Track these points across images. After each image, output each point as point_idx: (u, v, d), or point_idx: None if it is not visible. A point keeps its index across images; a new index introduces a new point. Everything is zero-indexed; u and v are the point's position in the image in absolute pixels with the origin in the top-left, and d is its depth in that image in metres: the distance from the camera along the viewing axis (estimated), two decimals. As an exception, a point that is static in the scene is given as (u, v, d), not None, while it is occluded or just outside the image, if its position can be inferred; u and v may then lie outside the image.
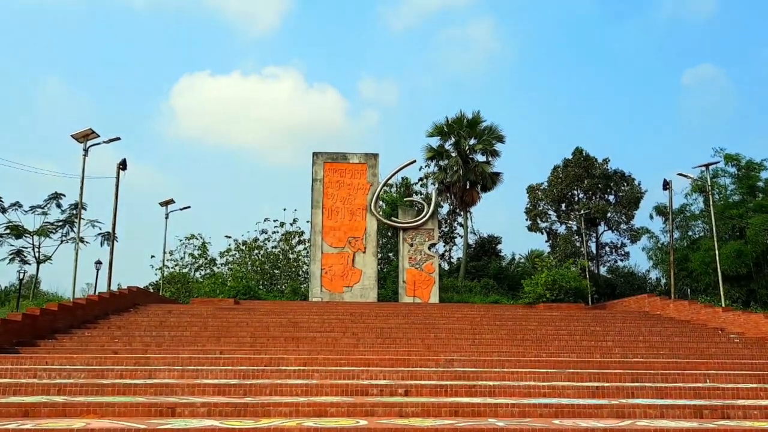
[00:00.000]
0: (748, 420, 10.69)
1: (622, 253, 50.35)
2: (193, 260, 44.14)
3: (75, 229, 36.94)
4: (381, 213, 36.43)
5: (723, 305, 27.22)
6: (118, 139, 26.41)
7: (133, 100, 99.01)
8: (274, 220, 45.77)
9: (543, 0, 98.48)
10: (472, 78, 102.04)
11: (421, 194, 47.40)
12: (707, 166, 31.46)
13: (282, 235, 45.48)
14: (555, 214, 50.32)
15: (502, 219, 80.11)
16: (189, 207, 36.87)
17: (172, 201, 35.11)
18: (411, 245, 33.01)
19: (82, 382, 12.16)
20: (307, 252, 43.52)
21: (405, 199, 40.79)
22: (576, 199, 49.61)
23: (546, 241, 50.77)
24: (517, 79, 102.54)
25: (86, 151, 25.17)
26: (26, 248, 40.00)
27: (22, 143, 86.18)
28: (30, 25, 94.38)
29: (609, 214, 48.62)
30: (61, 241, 40.72)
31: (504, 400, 11.45)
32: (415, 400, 11.14)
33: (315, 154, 33.64)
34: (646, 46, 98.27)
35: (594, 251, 49.73)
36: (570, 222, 48.28)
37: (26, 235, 39.80)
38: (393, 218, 35.01)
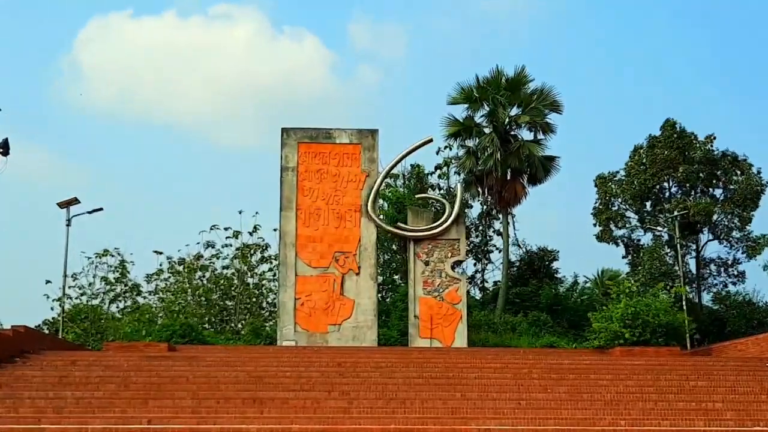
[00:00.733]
0: None
1: (735, 273, 50.16)
2: (108, 287, 44.13)
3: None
4: (382, 217, 36.36)
5: None
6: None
7: (18, 53, 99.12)
8: (226, 228, 45.79)
9: None
10: (512, 21, 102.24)
11: (440, 189, 47.36)
12: None
13: (237, 249, 45.47)
14: (637, 216, 50.19)
15: (559, 224, 80.00)
16: (101, 209, 36.77)
17: (76, 201, 35.05)
18: (426, 263, 32.97)
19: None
20: (274, 274, 43.47)
21: (417, 196, 40.82)
22: (667, 194, 49.50)
23: (624, 257, 50.60)
24: (577, 24, 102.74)
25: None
26: None
27: None
28: None
29: (716, 217, 48.54)
30: None
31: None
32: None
33: (285, 132, 33.65)
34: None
35: (694, 270, 49.61)
36: (659, 228, 48.19)
37: None
38: (400, 224, 34.97)
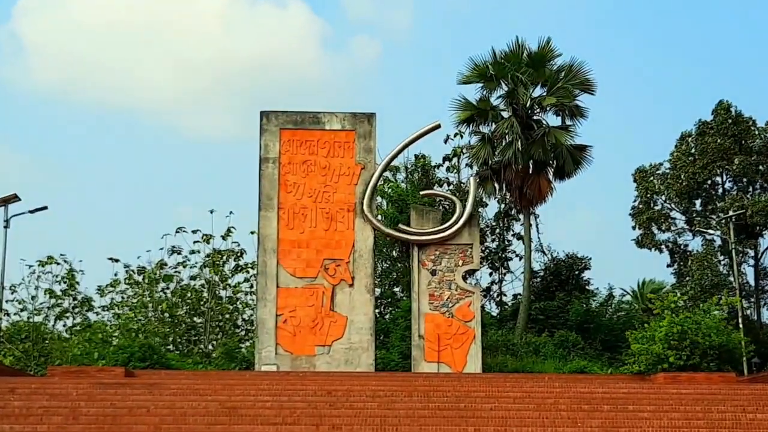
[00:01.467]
0: None
1: (801, 284, 50.40)
2: (54, 301, 44.12)
3: None
4: (380, 217, 36.40)
5: None
6: None
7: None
8: (195, 231, 45.78)
9: None
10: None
11: (449, 184, 47.44)
12: None
13: (208, 256, 45.50)
14: (684, 217, 50.36)
15: (591, 227, 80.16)
16: (45, 208, 36.87)
17: (15, 198, 35.12)
18: (433, 273, 33.03)
19: None
20: (252, 286, 43.47)
21: (422, 192, 40.87)
22: (721, 191, 49.63)
23: (669, 265, 50.78)
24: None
25: None
26: None
27: None
28: None
29: (778, 217, 48.64)
30: None
31: None
32: None
33: (265, 115, 33.66)
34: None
35: (752, 282, 49.69)
36: (710, 231, 48.28)
37: None
38: (401, 226, 35.00)
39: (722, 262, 48.05)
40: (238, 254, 45.54)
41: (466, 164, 47.15)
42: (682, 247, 50.74)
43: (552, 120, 42.23)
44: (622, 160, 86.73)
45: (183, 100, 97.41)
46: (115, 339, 38.40)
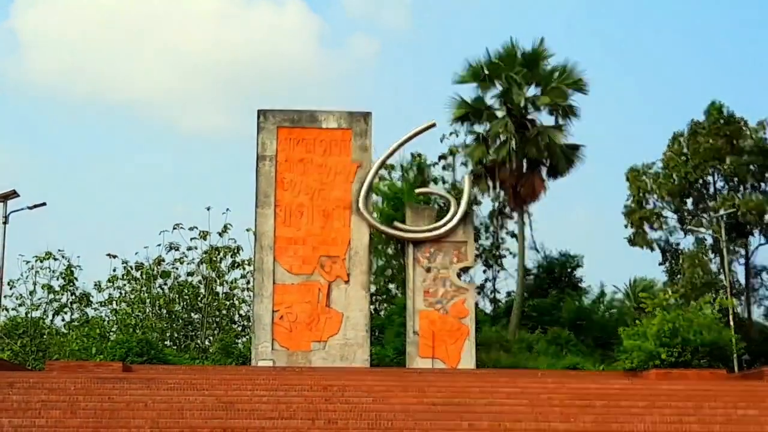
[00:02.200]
0: None
1: (792, 283, 50.45)
2: (52, 296, 44.10)
3: None
4: (376, 215, 36.39)
5: None
6: None
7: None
8: (192, 228, 45.80)
9: None
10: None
11: (444, 182, 47.45)
12: None
13: (204, 253, 45.48)
14: (676, 216, 50.37)
15: (584, 225, 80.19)
16: (44, 204, 36.77)
17: (14, 194, 35.01)
18: (428, 270, 33.03)
19: None
20: (248, 282, 43.47)
21: (417, 190, 40.88)
22: (712, 190, 49.66)
23: (660, 264, 50.79)
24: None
25: None
26: None
27: None
28: None
29: (768, 217, 48.71)
30: None
31: None
32: None
33: (262, 114, 33.63)
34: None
35: (742, 280, 49.74)
36: (702, 230, 48.32)
37: None
38: (397, 223, 34.99)
39: (713, 261, 48.12)
40: (235, 251, 45.53)
41: (461, 163, 47.23)
42: (673, 245, 50.76)
43: (546, 119, 42.30)
44: (615, 159, 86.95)
45: (180, 96, 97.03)
46: (113, 334, 38.43)
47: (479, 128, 42.59)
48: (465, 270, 33.90)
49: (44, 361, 35.07)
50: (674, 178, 48.96)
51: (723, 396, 23.18)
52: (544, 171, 42.33)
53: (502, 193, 45.13)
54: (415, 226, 33.62)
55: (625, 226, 50.52)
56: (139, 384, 23.31)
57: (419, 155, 47.27)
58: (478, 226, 46.43)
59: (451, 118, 42.32)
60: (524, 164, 41.66)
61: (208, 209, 45.58)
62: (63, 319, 43.96)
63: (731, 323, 37.54)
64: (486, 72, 41.21)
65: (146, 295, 44.26)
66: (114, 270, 45.29)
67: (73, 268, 44.49)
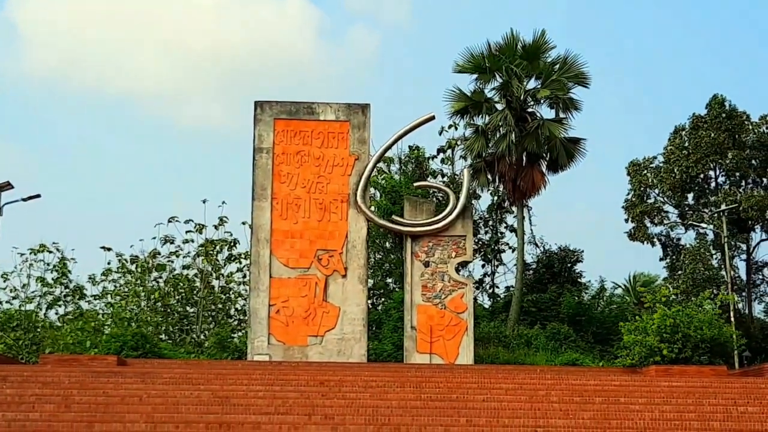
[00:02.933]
0: None
1: (793, 279, 50.55)
2: (45, 289, 44.13)
3: None
4: (374, 208, 36.42)
5: None
6: None
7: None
8: (187, 221, 45.85)
9: None
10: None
11: (443, 176, 47.48)
12: None
13: (200, 246, 45.51)
14: (677, 211, 50.41)
15: (584, 220, 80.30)
16: (38, 196, 36.76)
17: (9, 185, 35.02)
18: (426, 264, 33.06)
19: None
20: (245, 276, 43.54)
21: (415, 184, 40.89)
22: (714, 185, 49.69)
23: (661, 259, 50.86)
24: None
25: None
26: None
27: None
28: None
29: (770, 212, 48.78)
30: None
31: None
32: None
33: (259, 105, 33.63)
34: None
35: (744, 276, 49.80)
36: (703, 225, 48.35)
37: None
38: (395, 217, 35.06)
39: (714, 256, 48.14)
40: (231, 244, 45.62)
41: (460, 156, 47.22)
42: (674, 240, 50.81)
43: (546, 112, 42.23)
44: (616, 153, 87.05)
45: (177, 89, 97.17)
46: (108, 328, 38.40)
47: (478, 121, 42.57)
48: (463, 264, 33.97)
49: (38, 354, 35.13)
50: (675, 173, 48.96)
51: (723, 393, 23.25)
52: (544, 165, 42.30)
53: (501, 187, 45.17)
54: (413, 219, 33.66)
55: (626, 221, 50.58)
56: (134, 378, 23.35)
57: (417, 148, 47.29)
58: (476, 221, 46.46)
59: (450, 111, 42.24)
60: (524, 158, 41.62)
61: (204, 202, 45.71)
62: (57, 313, 44.06)
63: (732, 319, 37.64)
64: (486, 64, 41.11)
65: (141, 288, 44.31)
66: (108, 263, 45.45)
67: (66, 261, 44.56)
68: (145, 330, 35.88)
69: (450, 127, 46.36)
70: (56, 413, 18.91)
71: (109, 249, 45.59)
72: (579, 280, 48.17)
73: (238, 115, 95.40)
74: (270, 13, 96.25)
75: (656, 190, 50.20)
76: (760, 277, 50.90)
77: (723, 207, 45.18)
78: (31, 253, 44.38)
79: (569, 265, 48.18)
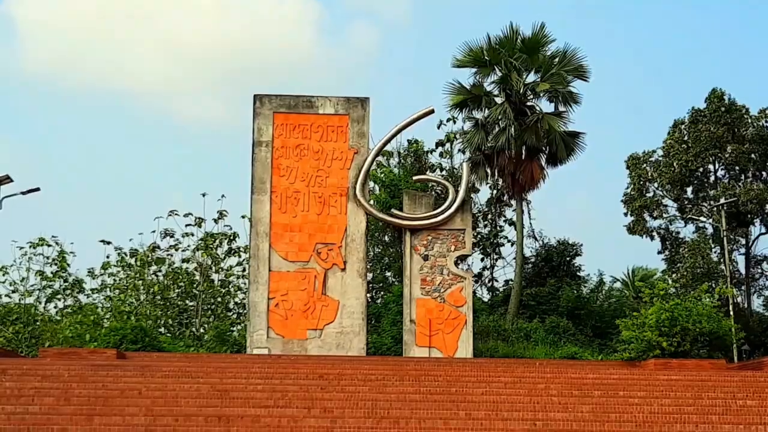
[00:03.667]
0: None
1: (792, 273, 50.61)
2: (45, 283, 44.10)
3: None
4: (373, 202, 36.43)
5: None
6: None
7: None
8: (187, 215, 45.79)
9: None
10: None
11: (442, 169, 47.48)
12: None
13: (200, 240, 45.49)
14: (676, 205, 50.44)
15: (583, 213, 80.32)
16: (38, 190, 36.75)
17: (8, 179, 34.98)
18: (425, 258, 33.07)
19: None
20: (244, 270, 43.52)
21: (415, 177, 40.84)
22: (713, 179, 49.72)
23: (660, 252, 50.89)
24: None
25: None
26: None
27: None
28: None
29: (769, 206, 48.80)
30: None
31: None
32: None
33: (259, 99, 33.60)
34: None
35: (743, 270, 49.85)
36: (702, 219, 48.41)
37: None
38: (394, 211, 35.07)
39: (713, 250, 48.19)
40: (231, 237, 45.51)
41: (459, 150, 47.22)
42: (673, 234, 50.82)
43: (545, 106, 42.32)
44: (615, 147, 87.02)
45: (176, 85, 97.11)
46: (107, 321, 38.37)
47: (478, 114, 42.57)
48: (463, 258, 33.96)
49: (37, 347, 35.10)
50: (675, 166, 49.00)
51: (722, 386, 23.28)
52: (543, 158, 42.36)
53: (500, 181, 45.28)
54: (412, 213, 33.64)
55: (625, 215, 50.68)
56: (134, 371, 23.38)
57: (417, 142, 47.30)
58: (476, 214, 46.46)
59: (450, 105, 42.27)
60: (523, 151, 41.66)
61: (204, 196, 45.58)
62: (56, 306, 43.94)
63: (731, 313, 37.71)
64: (486, 57, 41.13)
65: (140, 282, 44.23)
66: (108, 256, 45.28)
67: (66, 255, 44.48)
68: (144, 323, 35.83)
69: (449, 120, 46.42)
70: (56, 406, 18.95)
71: (108, 243, 45.50)
72: (578, 273, 48.29)
73: (237, 110, 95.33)
74: (270, 9, 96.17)
75: (655, 184, 50.25)
76: (759, 270, 50.97)
77: (722, 201, 45.24)
78: (30, 247, 44.23)
79: (568, 258, 48.26)
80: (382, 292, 44.00)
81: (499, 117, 41.06)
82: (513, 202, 45.59)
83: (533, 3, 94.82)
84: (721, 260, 46.23)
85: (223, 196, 45.62)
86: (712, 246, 48.30)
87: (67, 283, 44.34)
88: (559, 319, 40.38)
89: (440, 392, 21.40)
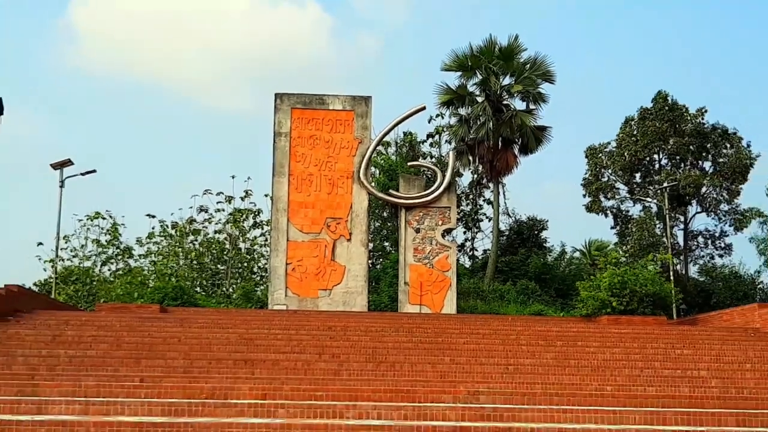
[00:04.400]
0: None
1: (722, 245, 50.55)
2: (100, 249, 44.18)
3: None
4: (374, 184, 36.40)
5: None
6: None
7: (14, 15, 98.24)
8: (218, 193, 45.83)
9: None
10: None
11: (432, 157, 47.44)
12: None
13: (229, 214, 45.52)
14: (626, 188, 50.38)
15: (549, 194, 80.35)
16: (94, 171, 36.70)
17: (69, 162, 34.93)
18: (417, 231, 33.06)
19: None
20: (266, 239, 43.58)
21: (409, 163, 40.85)
22: (657, 166, 49.63)
23: (612, 228, 50.86)
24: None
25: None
26: None
27: None
28: None
29: (704, 189, 48.77)
30: None
31: (552, 449, 11.57)
32: (423, 449, 11.25)
33: (279, 97, 33.50)
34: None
35: (681, 242, 49.88)
36: (648, 200, 48.38)
37: None
38: (391, 191, 35.03)
39: (657, 226, 48.19)
40: (255, 213, 45.66)
41: (446, 141, 47.08)
42: (624, 212, 50.82)
43: (518, 104, 42.21)
44: (576, 139, 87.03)
45: (213, 82, 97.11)
46: (152, 282, 38.46)
47: (462, 111, 42.56)
48: (448, 231, 33.91)
49: (94, 303, 35.18)
50: (625, 156, 48.96)
51: (663, 338, 23.34)
52: (516, 148, 42.33)
53: (480, 167, 45.18)
54: (406, 193, 33.61)
55: (584, 196, 50.62)
56: (174, 323, 23.42)
57: (410, 134, 47.31)
58: (459, 195, 46.43)
59: (438, 103, 42.29)
60: (499, 142, 41.62)
61: (233, 177, 45.71)
62: (109, 269, 44.12)
63: (671, 278, 37.69)
64: (469, 63, 41.08)
65: (180, 249, 44.37)
66: (152, 228, 45.48)
67: (117, 226, 44.61)
68: (182, 284, 35.91)
69: (438, 116, 46.34)
70: (109, 351, 19.00)
71: (153, 216, 45.64)
72: (544, 245, 48.34)
73: (262, 104, 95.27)
74: (290, 19, 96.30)
75: (609, 171, 50.18)
76: (695, 243, 50.99)
77: (665, 185, 45.15)
78: (87, 219, 44.40)
79: (536, 232, 48.31)
80: (381, 259, 44.02)
81: (480, 113, 41.01)
82: (491, 185, 45.54)
83: (511, 16, 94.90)
84: (663, 234, 46.26)
85: (249, 177, 45.79)
86: (656, 222, 48.30)
87: (118, 250, 44.47)
88: (528, 282, 40.43)
89: (429, 341, 21.44)
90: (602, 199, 50.42)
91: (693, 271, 50.18)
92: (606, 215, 50.85)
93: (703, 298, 45.22)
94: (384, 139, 38.55)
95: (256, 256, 45.63)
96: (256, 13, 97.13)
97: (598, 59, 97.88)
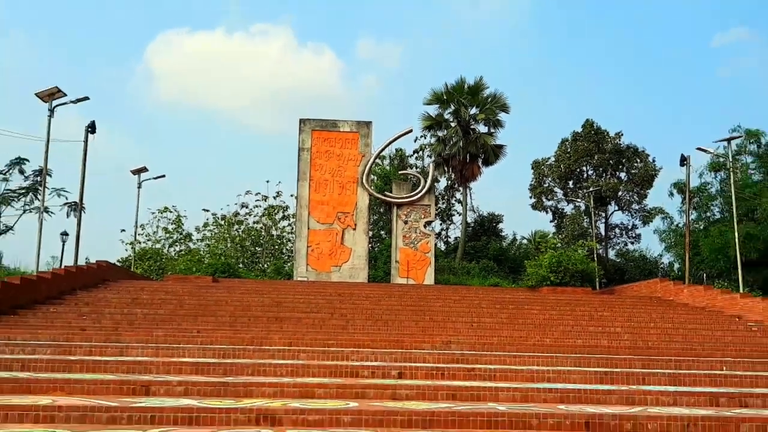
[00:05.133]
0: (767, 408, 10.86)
1: (633, 235, 50.73)
2: (167, 235, 44.07)
3: (39, 198, 36.70)
4: (373, 187, 36.44)
5: (741, 291, 27.45)
6: (86, 98, 26.14)
7: (103, 60, 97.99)
8: (256, 193, 45.78)
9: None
10: (479, 41, 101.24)
11: (416, 167, 47.45)
12: (729, 140, 31.57)
13: (264, 209, 45.46)
14: (562, 191, 50.48)
15: (504, 196, 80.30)
16: (164, 176, 36.67)
17: (145, 169, 34.89)
18: (405, 222, 33.06)
19: (48, 358, 12.20)
20: (292, 228, 43.53)
21: (400, 172, 40.76)
22: (585, 176, 49.73)
23: (551, 221, 51.02)
24: (527, 43, 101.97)
25: (51, 111, 24.91)
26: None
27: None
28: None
29: (620, 193, 48.88)
30: (24, 211, 40.58)
31: (505, 384, 11.59)
32: (409, 383, 11.26)
33: (302, 121, 33.45)
34: (669, 11, 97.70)
35: (603, 233, 49.98)
36: (578, 201, 48.47)
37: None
38: (386, 193, 35.01)
39: (585, 220, 48.33)
40: (284, 208, 45.61)
41: (428, 155, 47.04)
42: (560, 210, 51.02)
43: (482, 128, 42.14)
44: (525, 154, 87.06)
45: (250, 108, 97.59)
46: (206, 259, 38.38)
47: (440, 133, 42.49)
48: (429, 223, 33.92)
49: (163, 275, 35.15)
50: (561, 168, 49.15)
51: (588, 303, 23.39)
52: (480, 161, 42.26)
53: (452, 175, 45.18)
54: (398, 194, 33.62)
55: (530, 197, 50.75)
56: (223, 290, 23.42)
57: (401, 150, 47.36)
58: (437, 196, 46.46)
59: (422, 127, 42.26)
60: (467, 157, 41.58)
61: (267, 182, 46.40)
62: (174, 250, 44.01)
63: (595, 259, 37.78)
64: (444, 97, 41.04)
65: (227, 235, 44.29)
66: (207, 219, 45.42)
67: (181, 217, 44.57)
68: (229, 261, 35.84)
69: (421, 136, 46.20)
70: (175, 310, 18.99)
71: (207, 210, 45.62)
72: (500, 234, 48.38)
73: (289, 126, 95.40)
74: (311, 62, 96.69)
75: (549, 179, 50.32)
76: (613, 233, 51.17)
77: (591, 189, 45.32)
78: (158, 212, 44.39)
79: (495, 224, 48.38)
80: (378, 244, 44.02)
81: (453, 135, 41.02)
82: (461, 188, 45.53)
83: (477, 61, 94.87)
84: (590, 226, 46.41)
85: (279, 182, 45.89)
86: (584, 217, 48.47)
87: (181, 236, 44.39)
88: (488, 262, 40.52)
89: (413, 305, 21.47)
90: (544, 200, 50.62)
91: (612, 254, 50.35)
92: (547, 212, 51.09)
93: (619, 275, 45.35)
94: (381, 154, 38.47)
95: (284, 240, 45.57)
96: (286, 58, 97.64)
97: (542, 93, 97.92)
